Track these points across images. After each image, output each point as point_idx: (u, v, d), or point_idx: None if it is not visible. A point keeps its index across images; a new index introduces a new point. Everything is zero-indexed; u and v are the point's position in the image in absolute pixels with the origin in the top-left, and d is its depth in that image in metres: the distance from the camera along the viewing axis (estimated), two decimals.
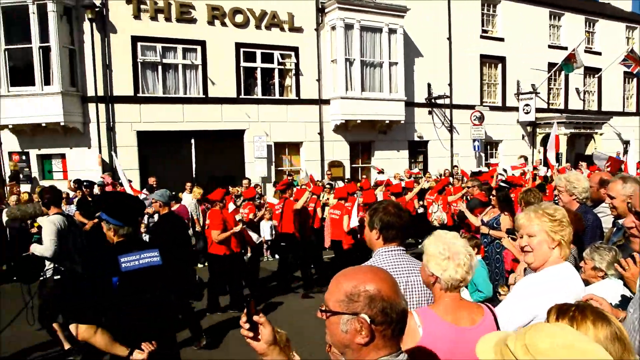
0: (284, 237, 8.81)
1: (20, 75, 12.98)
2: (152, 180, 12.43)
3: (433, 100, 18.49)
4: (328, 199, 11.64)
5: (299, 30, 15.92)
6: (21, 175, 13.19)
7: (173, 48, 14.56)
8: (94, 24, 13.49)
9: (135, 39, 14.02)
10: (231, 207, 7.94)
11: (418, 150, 18.83)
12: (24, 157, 13.45)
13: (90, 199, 10.70)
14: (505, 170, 12.95)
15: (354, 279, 1.49)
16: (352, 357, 1.49)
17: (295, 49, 15.95)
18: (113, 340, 2.89)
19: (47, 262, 5.54)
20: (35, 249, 5.52)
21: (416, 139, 18.44)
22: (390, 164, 16.95)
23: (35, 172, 13.53)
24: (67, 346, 5.84)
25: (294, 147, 16.37)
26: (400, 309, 1.48)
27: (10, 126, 13.00)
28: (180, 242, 6.17)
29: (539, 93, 20.77)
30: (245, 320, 1.65)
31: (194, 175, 14.53)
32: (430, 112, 18.68)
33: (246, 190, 9.55)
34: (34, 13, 12.71)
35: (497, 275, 6.06)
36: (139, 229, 3.36)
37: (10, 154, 13.34)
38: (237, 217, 7.93)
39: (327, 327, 1.51)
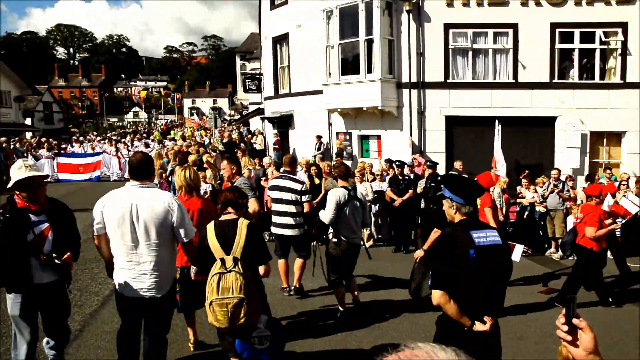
0: None
1: (349, 65, 14.86)
2: (458, 165, 12.68)
3: None
4: None
5: (628, 1, 13.87)
6: (344, 153, 15.22)
7: (484, 33, 14.48)
8: (410, 15, 14.40)
9: (447, 26, 14.43)
10: (626, 202, 7.59)
11: None
12: (347, 137, 15.49)
13: (400, 177, 11.52)
14: None
15: None
16: None
17: (623, 25, 13.96)
18: (460, 310, 3.05)
19: (330, 228, 6.33)
20: (320, 214, 6.33)
21: None
22: None
23: (355, 150, 15.44)
24: (343, 307, 6.46)
25: (614, 138, 14.43)
26: None
27: (338, 110, 15.13)
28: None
29: None
30: (563, 322, 1.52)
31: None
32: None
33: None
34: (362, 10, 14.30)
35: None
36: (477, 211, 3.49)
37: (337, 133, 15.57)
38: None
39: None
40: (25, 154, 19.00)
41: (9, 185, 3.80)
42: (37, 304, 3.93)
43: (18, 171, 3.81)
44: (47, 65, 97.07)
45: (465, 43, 14.46)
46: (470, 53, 14.48)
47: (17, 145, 21.87)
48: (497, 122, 12.77)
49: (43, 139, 25.74)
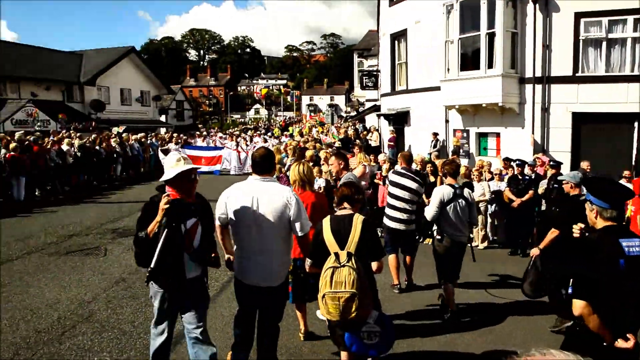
0: None
1: (468, 60, 14.42)
2: (585, 165, 11.78)
3: None
4: None
5: None
6: (461, 151, 14.83)
7: (622, 20, 13.18)
8: (536, 6, 13.59)
9: (578, 16, 13.37)
10: None
11: None
12: (465, 135, 15.07)
13: (520, 177, 10.99)
14: None
15: None
16: None
17: None
18: (602, 324, 2.85)
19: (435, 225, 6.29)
20: (425, 210, 6.35)
21: None
22: None
23: (472, 148, 14.97)
24: (452, 307, 6.27)
25: None
26: None
27: (456, 106, 14.77)
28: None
29: None
30: None
31: (633, 163, 12.98)
32: None
33: None
34: (484, 3, 13.78)
35: None
36: (623, 215, 3.20)
37: (454, 131, 15.20)
38: None
39: None
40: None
41: (168, 177, 3.78)
42: (184, 299, 4.00)
43: (177, 163, 3.81)
44: (181, 67, 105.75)
45: (598, 33, 13.31)
46: (604, 44, 13.30)
47: (153, 140, 24.16)
48: None
49: (174, 135, 28.13)
